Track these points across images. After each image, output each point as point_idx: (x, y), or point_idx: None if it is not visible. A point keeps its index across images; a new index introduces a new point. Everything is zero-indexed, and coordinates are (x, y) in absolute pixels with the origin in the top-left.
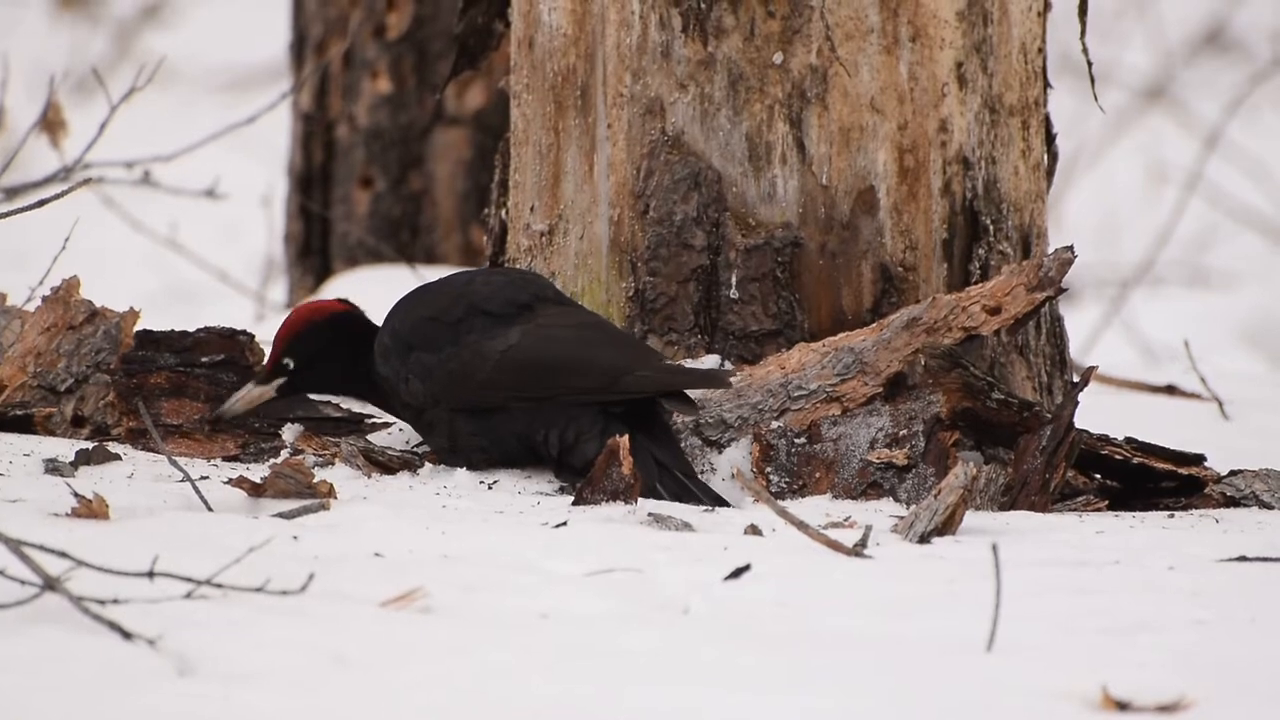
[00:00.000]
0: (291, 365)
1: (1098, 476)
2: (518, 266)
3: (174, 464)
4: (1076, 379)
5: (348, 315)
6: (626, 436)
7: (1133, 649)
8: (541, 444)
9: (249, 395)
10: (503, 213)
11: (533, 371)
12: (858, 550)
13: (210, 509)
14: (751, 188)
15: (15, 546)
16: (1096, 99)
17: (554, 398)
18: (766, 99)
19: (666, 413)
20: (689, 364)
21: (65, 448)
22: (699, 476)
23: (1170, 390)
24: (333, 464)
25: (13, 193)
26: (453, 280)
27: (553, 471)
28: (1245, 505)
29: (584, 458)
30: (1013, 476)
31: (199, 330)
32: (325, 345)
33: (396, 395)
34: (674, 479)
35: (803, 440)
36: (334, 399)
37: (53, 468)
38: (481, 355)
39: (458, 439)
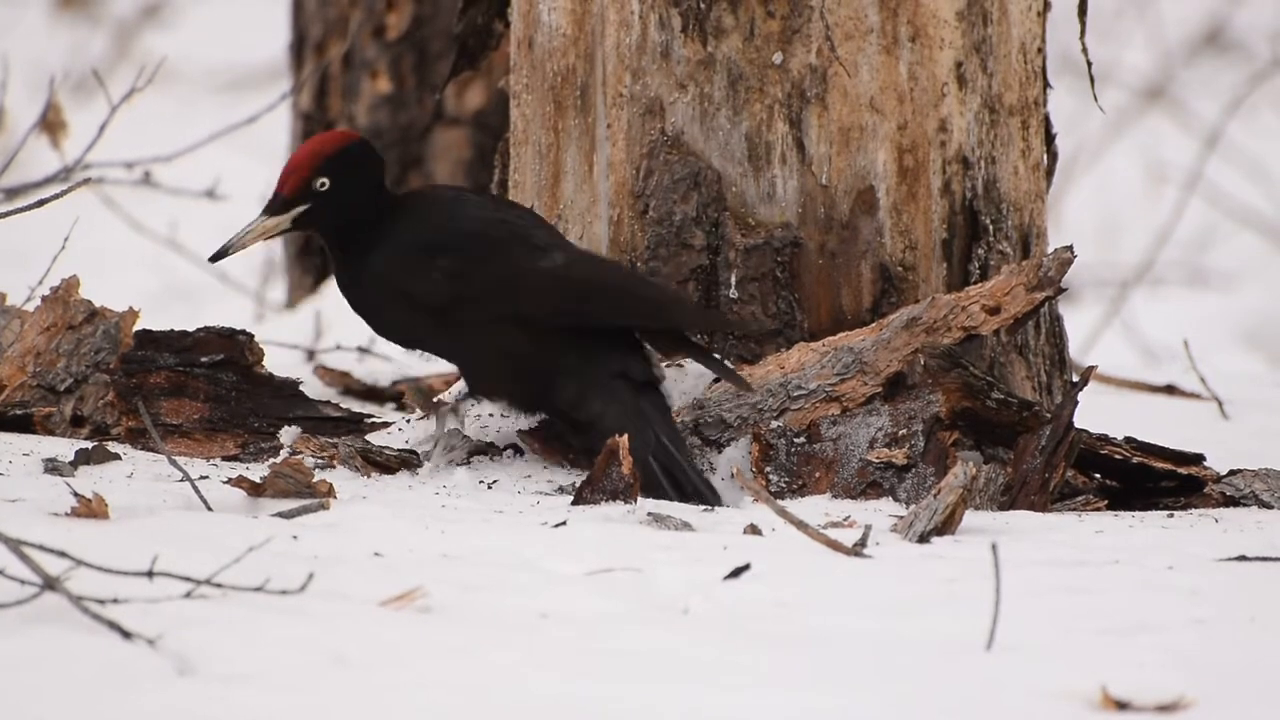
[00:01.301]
0: (327, 186)
1: (1097, 476)
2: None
3: (174, 464)
4: (1076, 379)
5: (373, 146)
6: (626, 436)
7: (1132, 649)
8: (556, 393)
9: (261, 227)
10: None
11: (580, 289)
12: (857, 550)
13: (210, 509)
14: (751, 187)
15: (15, 546)
16: (1096, 99)
17: (591, 321)
18: (766, 99)
19: (668, 396)
20: (688, 364)
21: (65, 447)
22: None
23: (1170, 390)
24: (332, 466)
25: (13, 193)
26: (481, 203)
27: (561, 424)
28: (1245, 505)
29: (589, 413)
30: (1012, 476)
31: (199, 330)
32: (359, 171)
33: (397, 298)
34: (665, 451)
35: (802, 440)
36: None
37: (52, 467)
38: (528, 269)
39: (481, 355)
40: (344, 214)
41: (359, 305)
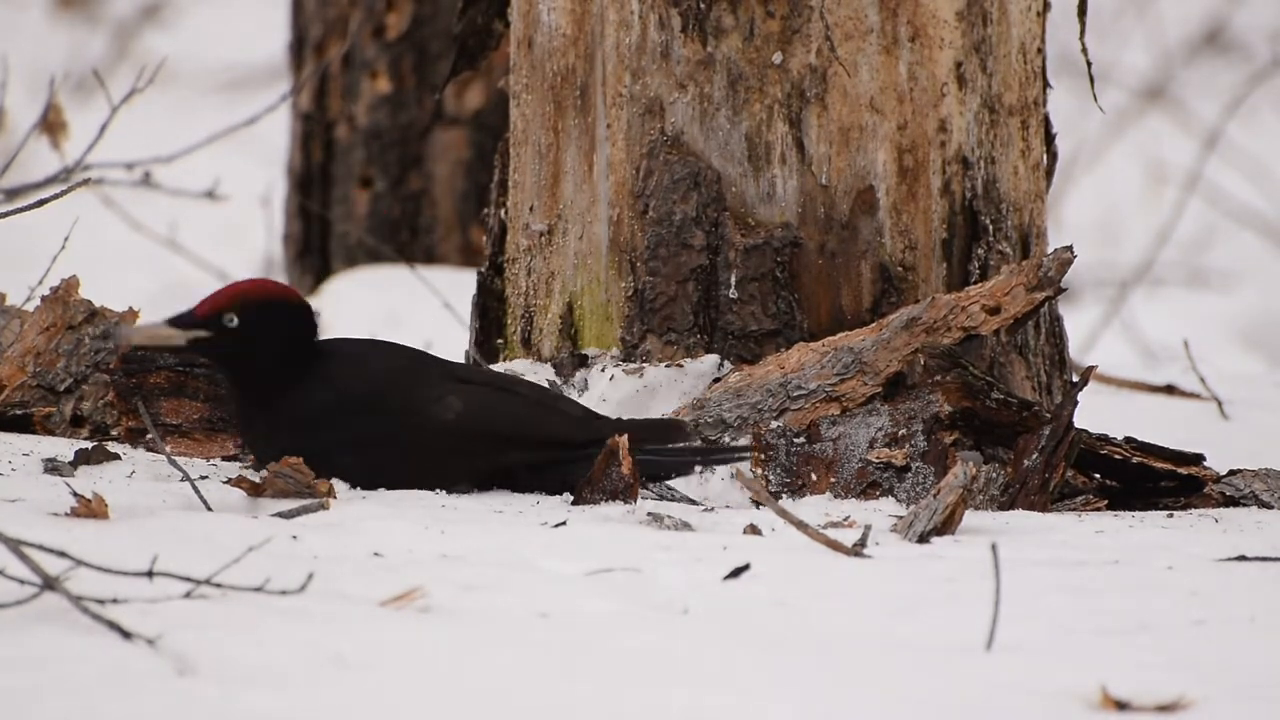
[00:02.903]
0: (234, 324)
1: (1097, 476)
2: (517, 263)
3: (173, 464)
4: (1076, 379)
5: (313, 315)
6: (625, 436)
7: (1133, 649)
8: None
9: (155, 331)
10: (502, 213)
11: (487, 439)
12: (857, 550)
13: (210, 509)
14: (751, 187)
15: (15, 546)
16: (1096, 99)
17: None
18: (766, 99)
19: None
20: (688, 364)
21: (64, 447)
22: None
23: (1170, 390)
24: None
25: (13, 193)
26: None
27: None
28: (1244, 505)
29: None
30: (1012, 476)
31: None
32: (281, 333)
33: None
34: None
35: (802, 440)
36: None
37: (52, 467)
38: (427, 426)
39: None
40: (248, 361)
41: (255, 448)
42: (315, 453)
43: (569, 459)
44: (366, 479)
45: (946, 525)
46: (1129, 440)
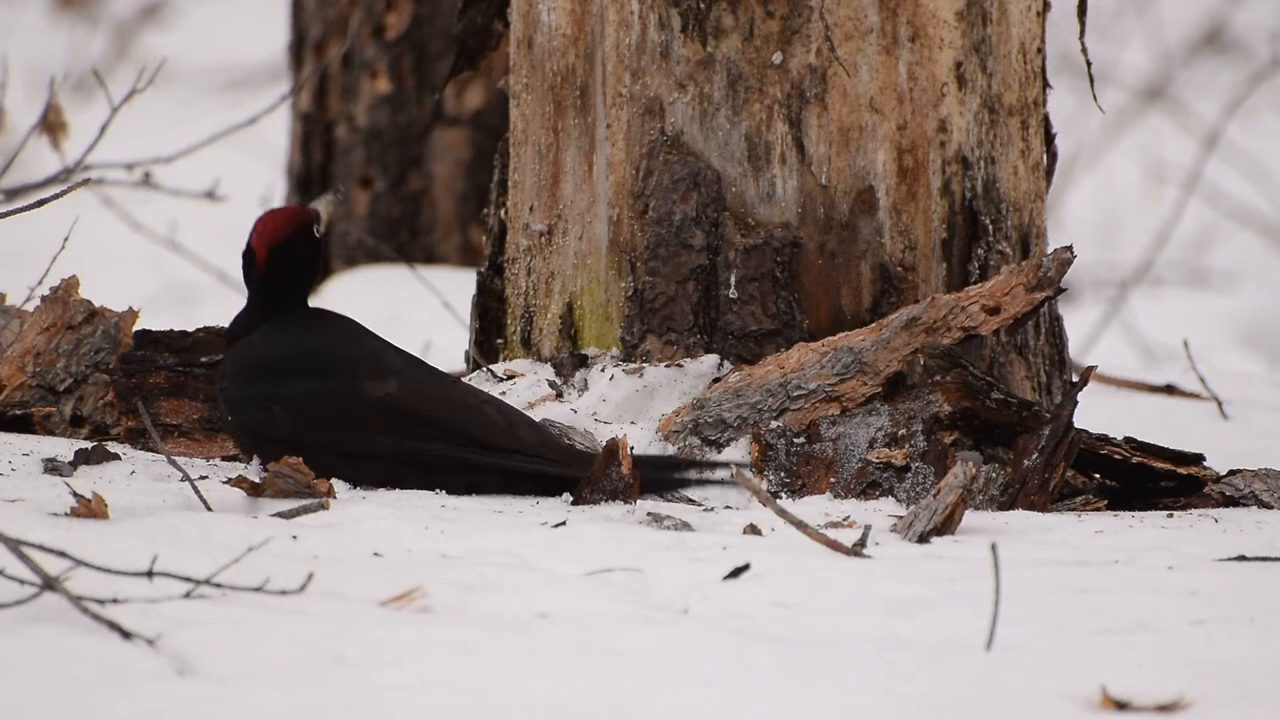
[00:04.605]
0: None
1: (1097, 476)
2: (515, 266)
3: (173, 464)
4: (1076, 379)
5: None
6: (626, 435)
7: (1132, 649)
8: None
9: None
10: (502, 213)
11: (413, 423)
12: (857, 550)
13: (210, 509)
14: (751, 188)
15: (14, 546)
16: (1096, 99)
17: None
18: (766, 99)
19: None
20: (687, 364)
21: (64, 447)
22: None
23: (1169, 390)
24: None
25: (13, 193)
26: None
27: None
28: (1244, 505)
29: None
30: (1011, 476)
31: (199, 330)
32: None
33: (246, 427)
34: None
35: (802, 440)
36: None
37: (52, 467)
38: (360, 397)
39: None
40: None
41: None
42: (251, 400)
43: (488, 465)
44: (297, 432)
45: (946, 525)
46: (1129, 440)
